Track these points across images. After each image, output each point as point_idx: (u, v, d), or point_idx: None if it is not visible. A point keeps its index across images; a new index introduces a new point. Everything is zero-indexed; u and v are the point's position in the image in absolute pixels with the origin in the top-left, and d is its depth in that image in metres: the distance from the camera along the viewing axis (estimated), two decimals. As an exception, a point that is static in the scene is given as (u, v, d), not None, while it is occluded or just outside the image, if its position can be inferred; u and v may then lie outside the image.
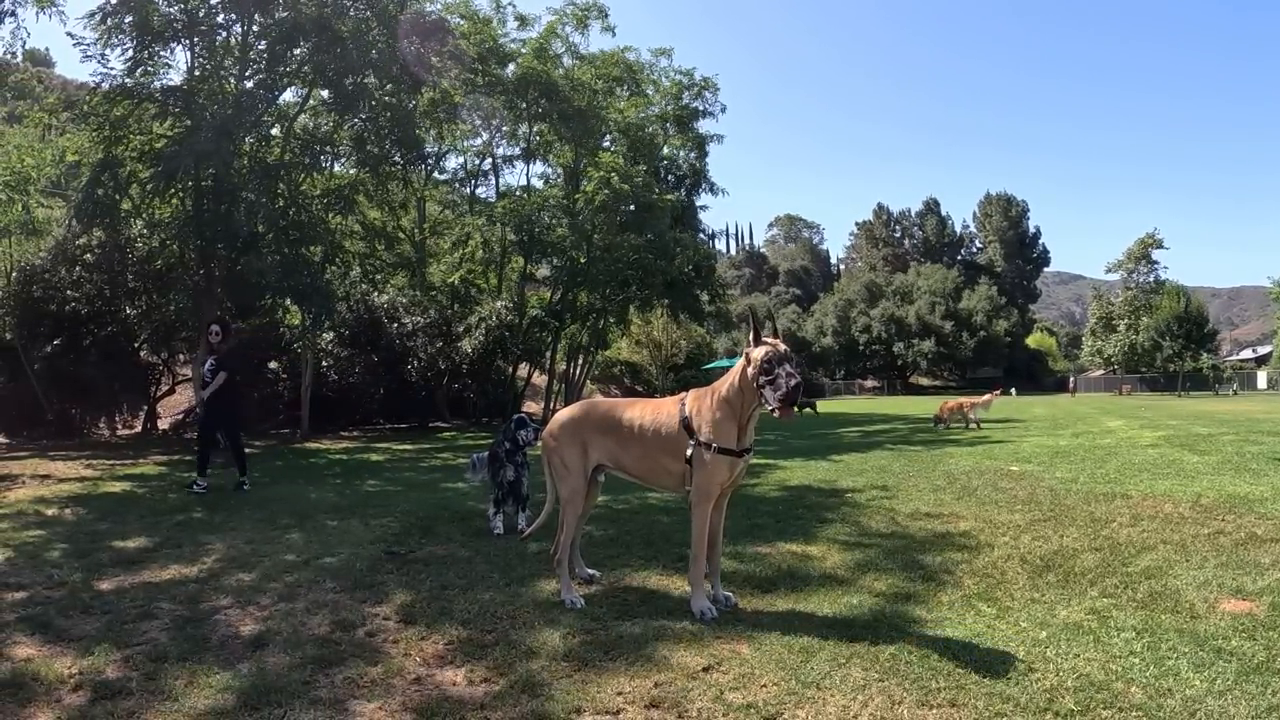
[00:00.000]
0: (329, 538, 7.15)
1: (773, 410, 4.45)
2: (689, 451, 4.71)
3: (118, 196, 17.61)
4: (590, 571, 5.55)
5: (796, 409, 4.54)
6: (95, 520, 8.33)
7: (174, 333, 21.75)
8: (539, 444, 5.75)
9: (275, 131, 20.34)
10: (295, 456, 16.02)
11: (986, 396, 25.17)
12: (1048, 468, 11.57)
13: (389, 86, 19.71)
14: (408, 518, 8.19)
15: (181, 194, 18.14)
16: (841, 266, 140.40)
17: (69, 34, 16.99)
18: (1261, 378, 73.06)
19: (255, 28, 18.38)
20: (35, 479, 12.11)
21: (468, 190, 33.66)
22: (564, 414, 5.41)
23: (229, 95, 18.04)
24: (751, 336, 4.69)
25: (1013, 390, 74.71)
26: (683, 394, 5.11)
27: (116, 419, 23.05)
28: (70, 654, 4.18)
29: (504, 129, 31.13)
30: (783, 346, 4.54)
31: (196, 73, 18.19)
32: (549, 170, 33.02)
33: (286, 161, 19.49)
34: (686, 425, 4.78)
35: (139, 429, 22.85)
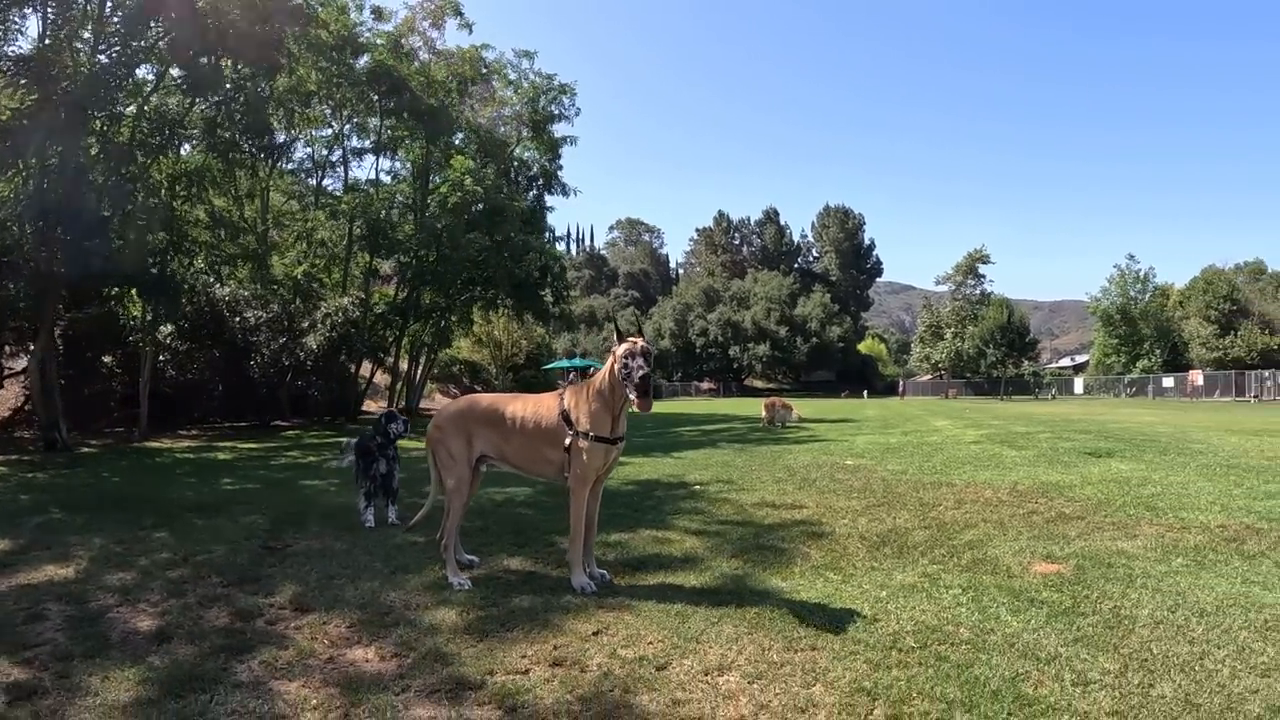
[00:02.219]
0: (200, 535, 7.15)
1: (633, 401, 5.03)
2: (568, 441, 5.20)
3: None
4: (470, 557, 5.92)
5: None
6: None
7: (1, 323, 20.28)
8: (416, 438, 6.12)
9: (129, 110, 19.25)
10: (139, 456, 15.45)
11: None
12: (880, 461, 12.60)
13: (244, 70, 19.16)
14: (275, 514, 8.24)
15: (25, 172, 16.99)
16: (680, 271, 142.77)
17: None
18: (1078, 384, 78.78)
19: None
20: None
21: (313, 181, 32.76)
22: (449, 408, 5.80)
23: (82, 69, 17.01)
24: (615, 337, 5.23)
25: (865, 393, 78.63)
26: (560, 391, 5.59)
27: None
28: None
29: (354, 120, 30.48)
30: (640, 343, 5.07)
31: (48, 41, 17.03)
32: (397, 165, 32.64)
33: (137, 143, 18.57)
34: (565, 418, 5.27)
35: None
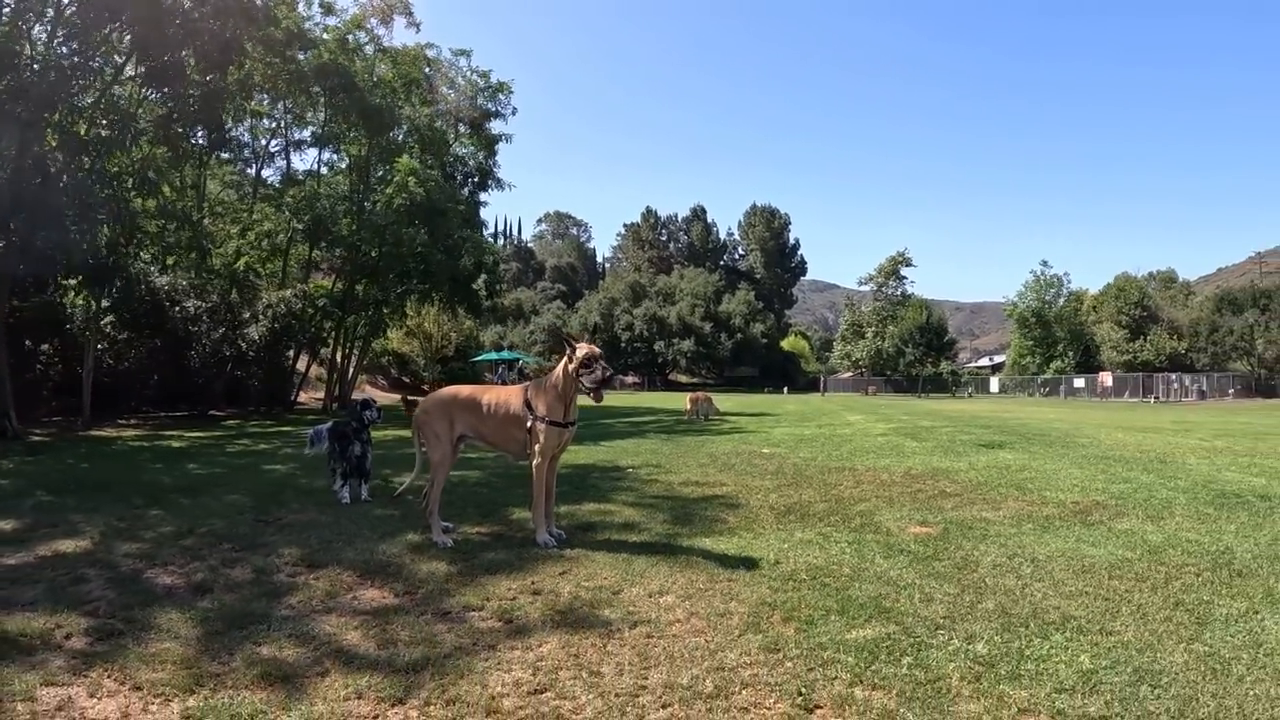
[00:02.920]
0: (193, 512, 7.93)
1: (589, 393, 6.38)
2: (529, 423, 6.41)
3: None
4: (446, 524, 7.01)
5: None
6: None
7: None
8: (386, 422, 7.28)
9: (87, 101, 19.52)
10: (93, 444, 15.93)
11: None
12: (793, 450, 13.94)
13: (201, 65, 19.63)
14: (254, 494, 9.07)
15: None
16: (607, 265, 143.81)
17: None
18: (994, 383, 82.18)
19: None
20: None
21: (251, 171, 32.88)
22: (435, 396, 7.02)
23: (38, 59, 17.42)
24: (568, 343, 6.50)
25: (785, 389, 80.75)
26: (524, 385, 6.81)
27: None
28: (36, 615, 4.60)
29: (294, 112, 30.71)
30: (597, 349, 6.38)
31: (6, 29, 17.29)
32: (335, 158, 32.88)
33: (95, 136, 18.91)
34: (528, 405, 6.48)
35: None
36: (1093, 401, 56.32)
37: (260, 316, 26.67)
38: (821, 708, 3.34)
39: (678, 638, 4.19)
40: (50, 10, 18.06)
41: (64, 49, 18.27)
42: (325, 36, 27.91)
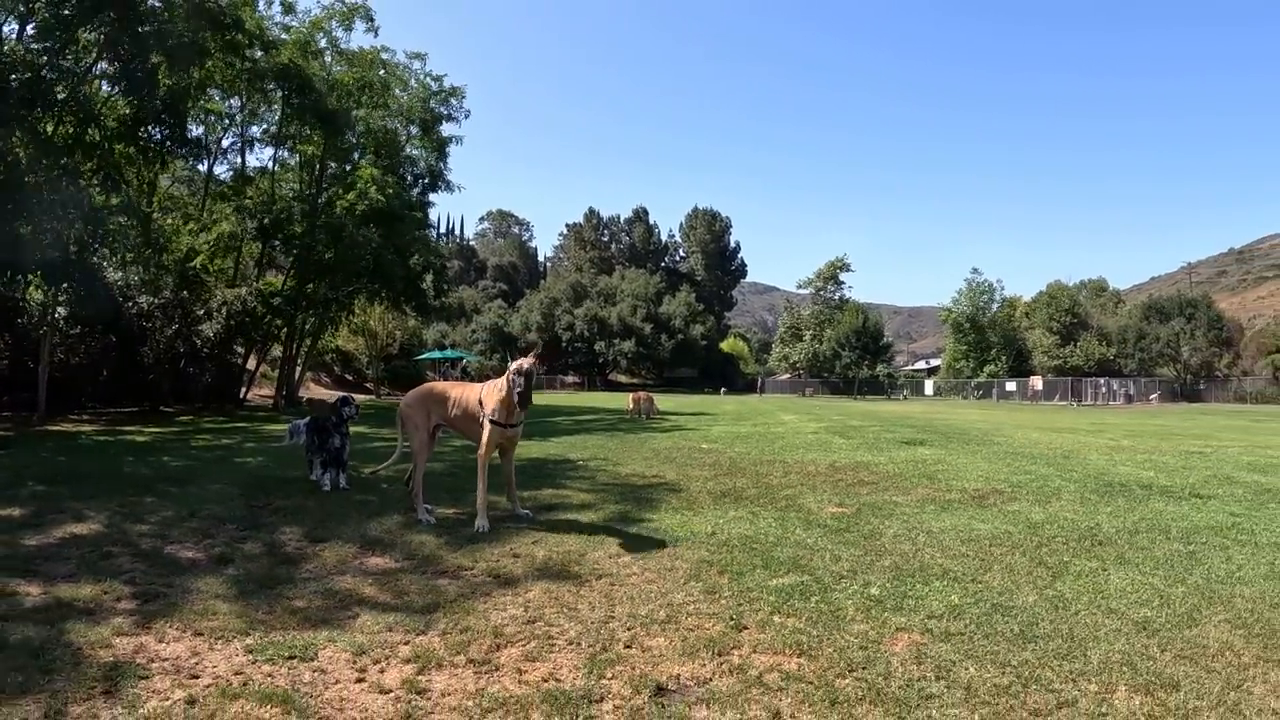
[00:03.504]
0: (186, 499, 8.58)
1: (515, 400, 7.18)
2: (481, 419, 7.41)
3: None
4: (428, 505, 7.92)
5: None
6: None
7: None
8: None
9: (60, 97, 19.79)
10: (59, 439, 16.31)
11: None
12: (729, 445, 15.08)
13: (168, 67, 20.16)
14: (238, 484, 9.75)
15: None
16: (549, 265, 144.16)
17: None
18: (929, 386, 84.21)
19: None
20: None
21: (203, 167, 32.44)
22: (416, 391, 8.08)
23: (25, 60, 17.85)
24: (511, 355, 7.37)
25: (723, 390, 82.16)
26: (482, 385, 7.80)
27: None
28: (80, 585, 5.18)
29: (249, 109, 30.68)
30: (525, 363, 7.17)
31: None
32: (287, 156, 32.92)
33: (63, 134, 19.35)
34: (481, 403, 7.49)
35: None
36: (1023, 404, 58.31)
37: (215, 314, 26.89)
38: (748, 628, 4.40)
39: (635, 585, 5.25)
40: (21, 6, 18.40)
41: (35, 46, 18.68)
42: (285, 37, 28.13)
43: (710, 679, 3.73)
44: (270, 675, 3.79)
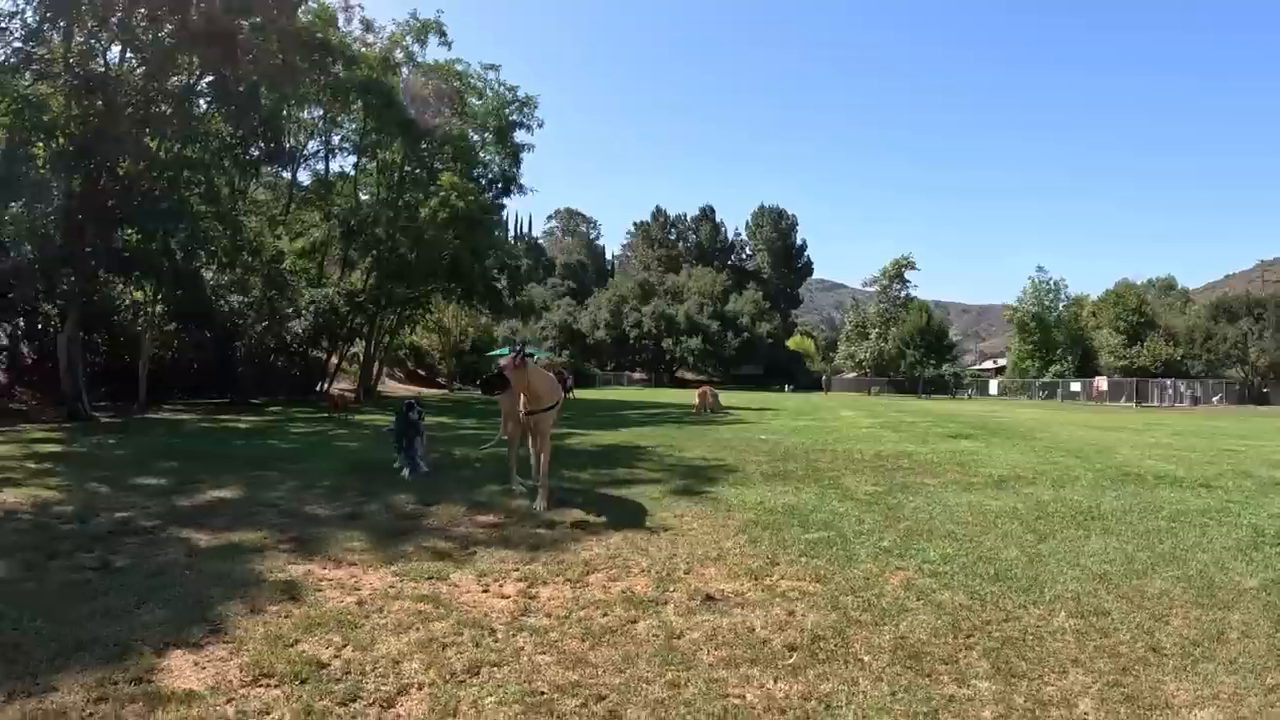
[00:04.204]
0: (304, 473, 10.05)
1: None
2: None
3: (30, 171, 18.89)
4: (520, 478, 9.21)
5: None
6: (83, 469, 10.34)
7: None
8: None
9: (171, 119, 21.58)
10: (167, 426, 17.95)
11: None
12: (786, 436, 16.29)
13: (265, 87, 21.94)
14: (345, 463, 11.25)
15: (80, 173, 19.47)
16: (616, 263, 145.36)
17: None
18: (994, 385, 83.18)
19: (168, 28, 19.95)
20: None
21: (288, 175, 34.50)
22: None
23: (136, 85, 19.68)
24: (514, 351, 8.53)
25: (788, 387, 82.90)
26: None
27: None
28: (242, 533, 6.49)
29: (331, 118, 32.60)
30: (503, 362, 8.24)
31: (89, 48, 19.64)
32: (367, 162, 34.73)
33: (169, 150, 21.17)
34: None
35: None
36: (1086, 405, 57.78)
37: (303, 312, 28.75)
38: (779, 564, 5.69)
39: (693, 535, 6.58)
40: (123, 34, 20.09)
41: (139, 70, 20.55)
42: (362, 50, 29.80)
43: (746, 593, 5.03)
44: (416, 587, 5.16)
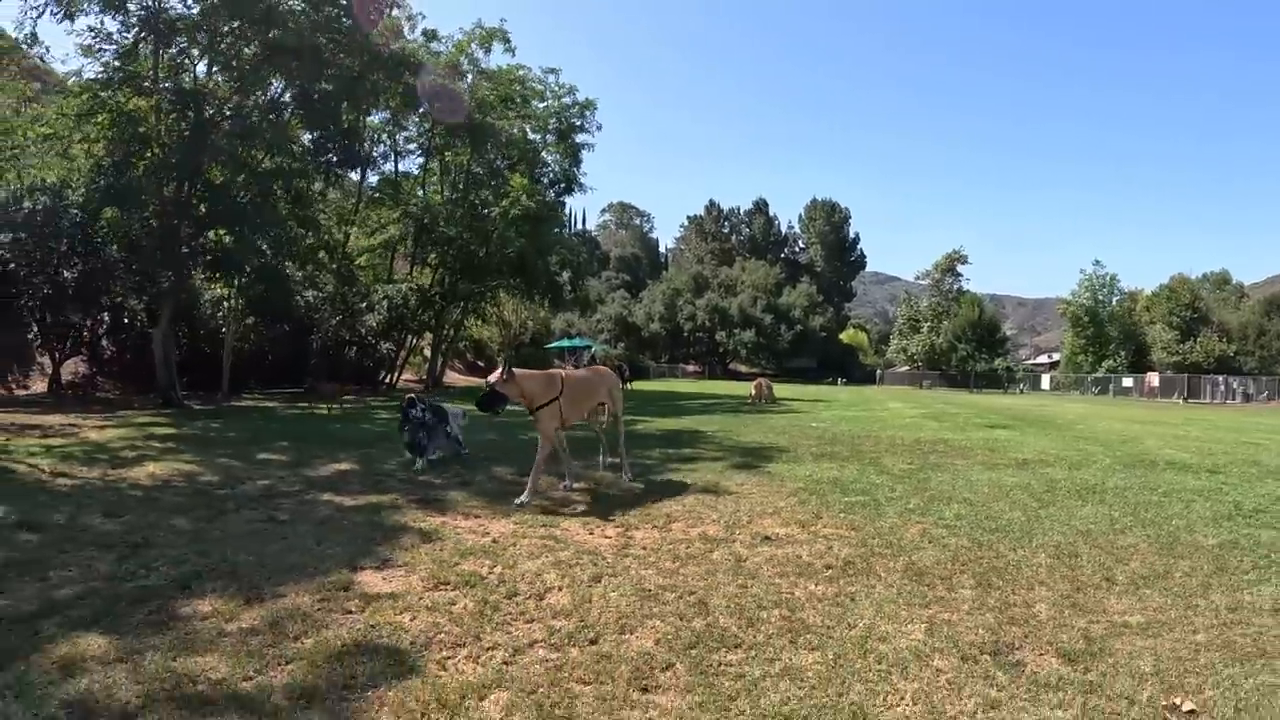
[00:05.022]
0: (400, 452, 11.41)
1: None
2: None
3: (139, 184, 20.73)
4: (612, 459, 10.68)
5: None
6: (205, 448, 12.26)
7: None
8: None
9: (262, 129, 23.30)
10: (259, 412, 19.56)
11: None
12: (835, 425, 17.67)
13: (344, 99, 23.81)
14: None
15: (175, 180, 21.47)
16: (670, 256, 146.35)
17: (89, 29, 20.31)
18: (1045, 380, 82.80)
19: (255, 45, 21.89)
20: (96, 430, 14.54)
21: (354, 175, 35.86)
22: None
23: (225, 98, 21.67)
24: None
25: (840, 380, 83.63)
26: None
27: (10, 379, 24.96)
28: (374, 495, 8.15)
29: (396, 121, 34.33)
30: (490, 379, 8.35)
31: (204, 77, 21.79)
32: (434, 163, 36.42)
33: (272, 167, 23.09)
34: None
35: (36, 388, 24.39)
36: (1137, 401, 57.71)
37: (377, 306, 30.62)
38: (822, 518, 7.16)
39: (752, 497, 8.09)
40: (209, 51, 22.05)
41: (226, 85, 22.52)
42: (427, 59, 31.44)
43: (795, 535, 6.51)
44: (535, 531, 6.68)
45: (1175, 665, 4.02)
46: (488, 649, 4.09)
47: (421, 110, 32.26)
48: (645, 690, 3.63)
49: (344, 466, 10.06)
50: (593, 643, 4.19)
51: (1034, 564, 5.86)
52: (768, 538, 6.41)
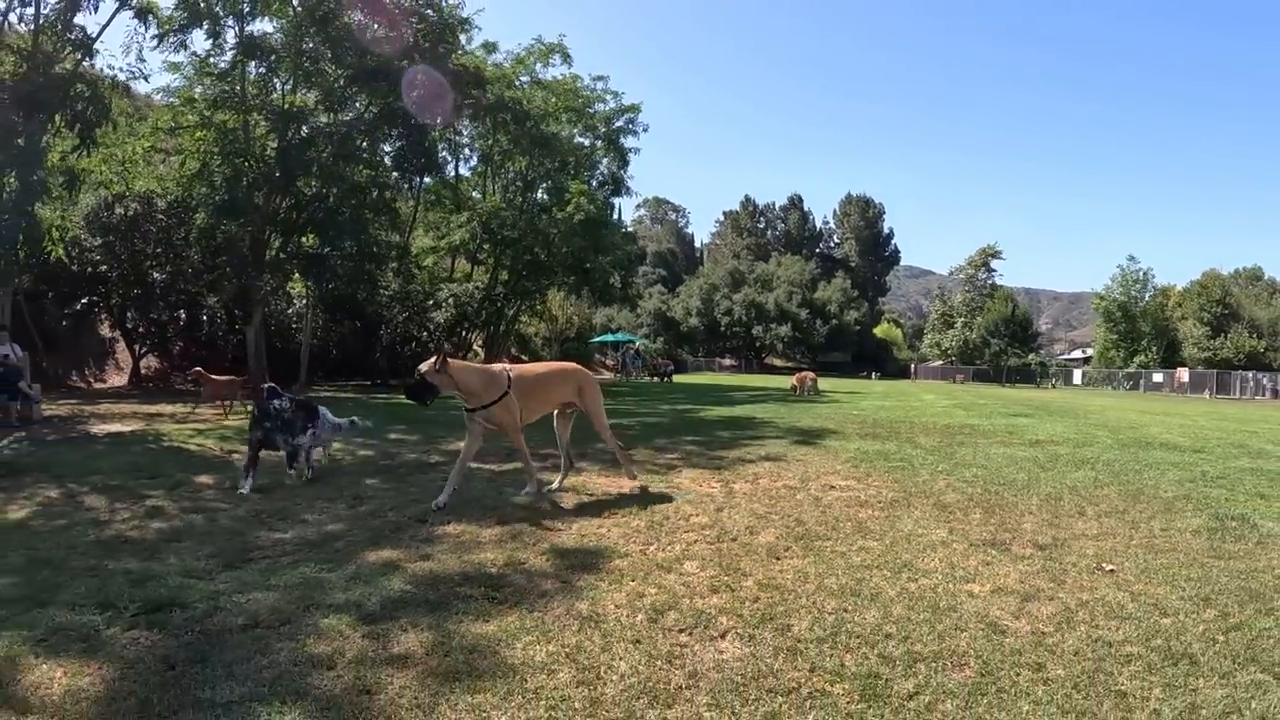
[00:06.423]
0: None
1: None
2: None
3: (244, 196, 23.35)
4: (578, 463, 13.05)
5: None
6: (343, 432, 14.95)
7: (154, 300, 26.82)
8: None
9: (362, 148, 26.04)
10: (348, 402, 22.36)
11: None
12: (875, 413, 19.93)
13: (424, 116, 26.27)
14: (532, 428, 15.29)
15: (272, 191, 24.12)
16: (706, 251, 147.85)
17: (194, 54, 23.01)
18: (1077, 375, 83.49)
19: (348, 71, 24.37)
20: (215, 416, 17.18)
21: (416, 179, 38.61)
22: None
23: (319, 115, 24.35)
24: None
25: (875, 374, 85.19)
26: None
27: (87, 372, 27.48)
28: (513, 464, 10.98)
29: (464, 129, 36.58)
30: (421, 369, 7.90)
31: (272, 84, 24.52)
32: (495, 169, 38.94)
33: (362, 178, 25.70)
34: None
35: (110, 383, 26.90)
36: (1166, 396, 58.42)
37: (444, 304, 33.13)
38: (870, 476, 9.47)
39: (814, 463, 10.41)
40: (298, 71, 24.53)
41: (317, 104, 25.08)
42: (491, 71, 33.70)
43: (853, 486, 8.83)
44: (658, 483, 9.01)
45: (1110, 553, 6.24)
46: (667, 545, 6.36)
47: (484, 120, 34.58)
48: (777, 559, 5.93)
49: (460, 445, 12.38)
50: (734, 539, 6.49)
51: (1028, 503, 8.10)
52: (833, 486, 8.71)
